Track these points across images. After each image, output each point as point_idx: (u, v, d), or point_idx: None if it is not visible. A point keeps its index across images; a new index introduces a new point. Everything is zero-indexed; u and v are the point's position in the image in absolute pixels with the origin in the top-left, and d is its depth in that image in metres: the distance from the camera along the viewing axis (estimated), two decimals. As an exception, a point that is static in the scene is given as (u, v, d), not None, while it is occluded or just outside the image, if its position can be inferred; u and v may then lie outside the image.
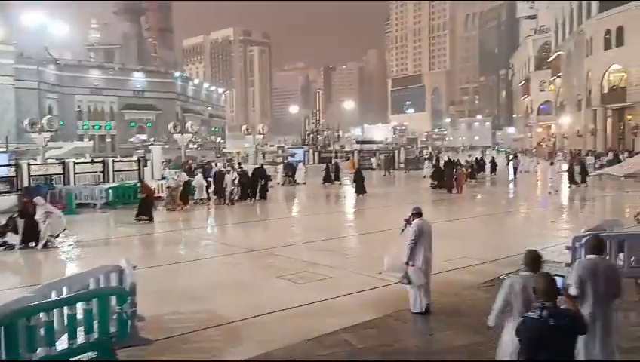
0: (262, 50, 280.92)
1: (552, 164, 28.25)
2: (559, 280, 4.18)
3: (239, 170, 25.56)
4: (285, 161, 41.51)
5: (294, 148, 59.60)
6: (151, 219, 18.49)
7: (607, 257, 7.26)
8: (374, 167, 46.86)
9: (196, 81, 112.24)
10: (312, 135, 72.66)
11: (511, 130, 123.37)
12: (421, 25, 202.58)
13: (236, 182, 23.47)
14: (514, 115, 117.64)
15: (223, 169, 26.71)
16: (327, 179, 33.75)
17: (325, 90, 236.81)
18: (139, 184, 21.83)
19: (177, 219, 19.90)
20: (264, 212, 22.58)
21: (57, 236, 14.16)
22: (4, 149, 40.20)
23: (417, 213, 8.07)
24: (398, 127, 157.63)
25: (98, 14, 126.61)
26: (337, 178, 34.28)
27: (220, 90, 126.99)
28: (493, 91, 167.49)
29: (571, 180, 28.69)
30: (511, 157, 43.71)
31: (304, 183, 33.74)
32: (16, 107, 62.66)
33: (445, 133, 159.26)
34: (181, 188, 22.29)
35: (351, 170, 44.21)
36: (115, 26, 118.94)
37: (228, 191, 23.18)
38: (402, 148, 66.40)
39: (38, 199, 14.44)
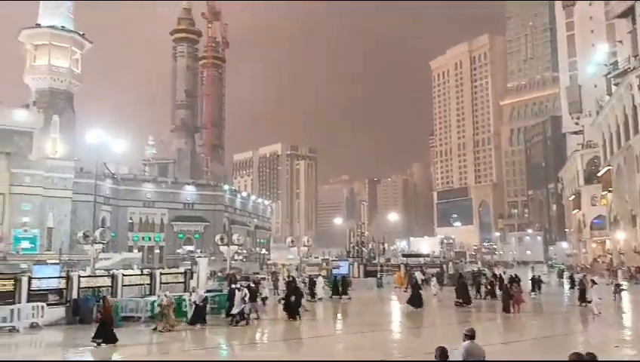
0: (308, 164, 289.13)
1: (594, 283, 26.47)
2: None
3: (252, 284, 24.51)
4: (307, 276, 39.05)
5: (339, 260, 58.98)
6: (111, 341, 16.62)
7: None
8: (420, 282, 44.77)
9: (244, 194, 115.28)
10: (357, 247, 72.08)
11: (564, 244, 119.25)
12: (465, 139, 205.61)
13: (246, 299, 21.71)
14: (566, 230, 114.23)
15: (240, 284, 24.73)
16: (335, 292, 32.95)
17: (370, 203, 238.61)
18: (101, 300, 19.02)
19: (179, 338, 18.68)
20: (292, 331, 21.18)
21: None
22: (57, 261, 41.29)
23: (468, 335, 7.57)
24: (445, 240, 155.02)
25: (156, 132, 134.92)
26: (345, 292, 33.18)
27: (267, 203, 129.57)
28: (543, 205, 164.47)
29: (582, 299, 26.88)
30: (567, 274, 41.80)
31: (320, 299, 31.78)
32: (72, 219, 65.32)
33: (495, 247, 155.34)
34: (174, 305, 20.91)
35: (399, 284, 43.13)
36: (171, 142, 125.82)
37: (236, 310, 21.37)
38: (450, 262, 64.80)
39: None
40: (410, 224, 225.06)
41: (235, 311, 21.29)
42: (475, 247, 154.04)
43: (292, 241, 44.96)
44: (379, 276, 46.56)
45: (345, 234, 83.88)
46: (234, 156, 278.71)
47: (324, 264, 58.25)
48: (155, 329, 19.71)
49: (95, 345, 16.58)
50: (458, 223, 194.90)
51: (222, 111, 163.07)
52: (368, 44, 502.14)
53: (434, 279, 36.91)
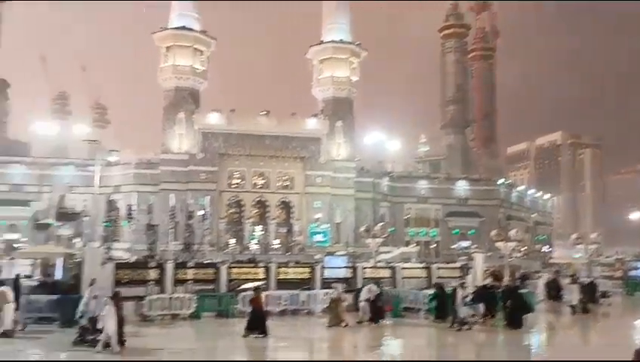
0: (593, 153, 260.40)
1: None
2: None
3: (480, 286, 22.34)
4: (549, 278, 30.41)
5: (637, 261, 51.71)
6: (264, 334, 16.88)
7: None
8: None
9: (520, 188, 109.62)
10: (660, 247, 62.23)
11: None
12: None
13: (467, 300, 20.00)
14: None
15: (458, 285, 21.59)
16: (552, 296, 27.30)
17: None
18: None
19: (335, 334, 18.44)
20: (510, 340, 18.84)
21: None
22: (344, 253, 45.50)
23: None
24: None
25: (427, 130, 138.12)
26: (558, 297, 27.01)
27: (546, 196, 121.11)
28: None
29: None
30: None
31: (573, 305, 25.27)
32: (355, 214, 71.18)
33: None
34: (345, 301, 20.29)
35: None
36: (441, 138, 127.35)
37: (461, 313, 19.55)
38: None
39: None
40: None
41: (460, 313, 19.67)
42: None
43: (577, 238, 41.27)
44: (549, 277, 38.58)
45: (643, 231, 73.10)
46: (508, 149, 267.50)
47: (618, 264, 51.82)
48: (331, 325, 19.53)
49: (245, 335, 16.83)
50: None
51: (493, 103, 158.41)
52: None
53: (574, 286, 26.52)
